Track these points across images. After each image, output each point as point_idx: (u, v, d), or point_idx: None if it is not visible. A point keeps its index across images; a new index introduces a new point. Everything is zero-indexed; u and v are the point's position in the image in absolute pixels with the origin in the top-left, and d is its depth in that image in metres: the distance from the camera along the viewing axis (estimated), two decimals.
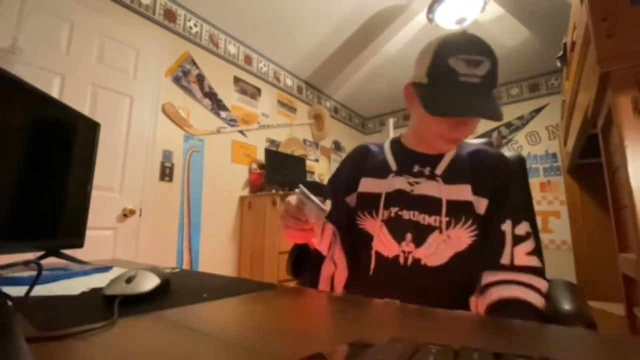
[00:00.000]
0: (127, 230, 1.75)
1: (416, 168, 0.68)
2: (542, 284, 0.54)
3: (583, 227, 2.35)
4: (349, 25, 2.40)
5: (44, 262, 0.54)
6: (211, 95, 2.34)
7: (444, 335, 0.33)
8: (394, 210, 0.64)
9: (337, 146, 3.72)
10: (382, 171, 0.70)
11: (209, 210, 2.22)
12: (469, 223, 0.60)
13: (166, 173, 1.99)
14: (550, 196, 2.90)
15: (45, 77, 1.49)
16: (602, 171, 1.14)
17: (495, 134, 3.19)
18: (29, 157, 0.58)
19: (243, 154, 2.53)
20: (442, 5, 1.99)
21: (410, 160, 0.69)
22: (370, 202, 0.67)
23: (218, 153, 2.34)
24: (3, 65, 0.54)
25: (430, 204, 0.62)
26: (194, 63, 2.24)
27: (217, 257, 2.25)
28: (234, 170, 2.45)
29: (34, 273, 0.40)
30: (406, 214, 0.63)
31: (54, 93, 1.52)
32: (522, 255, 0.57)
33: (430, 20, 2.14)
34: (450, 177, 0.64)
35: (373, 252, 0.64)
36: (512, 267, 0.56)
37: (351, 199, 0.72)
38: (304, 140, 3.20)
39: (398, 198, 0.65)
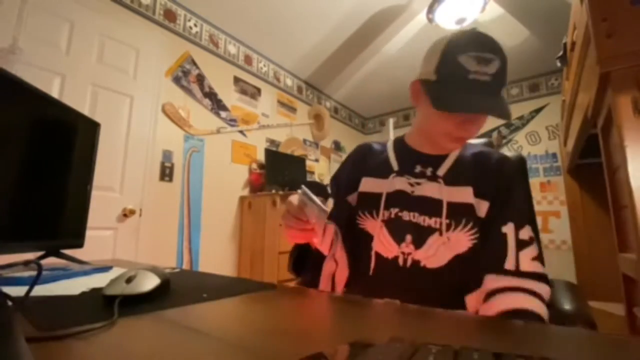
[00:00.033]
0: (127, 230, 1.75)
1: (418, 168, 0.67)
2: (545, 291, 0.54)
3: (583, 227, 2.35)
4: (349, 25, 2.40)
5: (44, 262, 0.54)
6: (211, 95, 2.34)
7: (444, 335, 0.33)
8: (394, 211, 0.64)
9: (337, 146, 3.72)
10: (383, 171, 0.69)
11: (209, 210, 2.22)
12: (469, 226, 0.59)
13: (166, 173, 1.99)
14: (550, 196, 2.90)
15: (45, 77, 1.50)
16: (602, 171, 1.14)
17: (495, 134, 3.19)
18: (29, 157, 0.58)
19: (243, 154, 2.53)
20: (442, 5, 1.99)
21: (412, 160, 0.69)
22: (370, 202, 0.67)
23: (218, 153, 2.34)
24: (3, 65, 0.54)
25: (430, 206, 0.62)
26: (194, 63, 2.24)
27: (217, 257, 2.25)
28: (234, 170, 2.45)
29: (34, 273, 0.40)
30: (406, 215, 0.63)
31: (54, 93, 1.52)
32: (527, 260, 0.56)
33: (430, 20, 2.14)
34: (452, 178, 0.63)
35: (373, 253, 0.64)
36: (518, 273, 0.54)
37: (352, 198, 0.72)
38: (304, 140, 3.20)
39: (398, 199, 0.64)
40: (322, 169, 3.41)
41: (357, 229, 0.68)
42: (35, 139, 0.59)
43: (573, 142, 1.76)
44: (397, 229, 0.63)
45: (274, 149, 2.77)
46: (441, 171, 0.65)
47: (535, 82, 3.11)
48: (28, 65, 1.42)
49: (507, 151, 0.86)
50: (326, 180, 3.25)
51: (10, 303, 0.34)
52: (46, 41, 1.53)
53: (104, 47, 1.73)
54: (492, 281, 0.55)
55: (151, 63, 1.95)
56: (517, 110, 3.15)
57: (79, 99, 1.59)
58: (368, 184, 0.70)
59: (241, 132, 2.55)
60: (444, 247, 0.59)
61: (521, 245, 0.57)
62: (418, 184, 0.65)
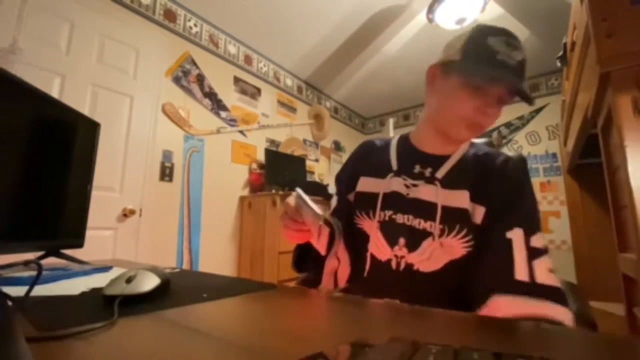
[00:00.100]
0: (127, 230, 1.75)
1: (417, 169, 0.65)
2: (569, 318, 0.45)
3: (583, 227, 2.35)
4: (349, 25, 2.40)
5: (44, 262, 0.54)
6: (211, 95, 2.34)
7: (444, 335, 0.33)
8: (388, 213, 0.63)
9: (337, 146, 3.72)
10: (382, 170, 0.68)
11: (209, 210, 2.22)
12: (463, 232, 0.57)
13: (166, 173, 1.99)
14: (550, 196, 2.90)
15: (45, 77, 1.50)
16: (602, 171, 1.14)
17: (495, 134, 3.19)
18: (29, 157, 0.58)
19: (243, 154, 2.53)
20: (442, 5, 1.99)
21: (412, 160, 0.67)
22: (367, 202, 0.66)
23: (218, 153, 2.34)
24: (3, 65, 0.54)
25: (425, 209, 0.60)
26: (194, 63, 2.24)
27: (217, 257, 2.25)
28: (234, 170, 2.45)
29: (34, 273, 0.40)
30: (400, 218, 0.62)
31: (54, 93, 1.52)
32: (544, 271, 0.50)
33: (430, 20, 2.14)
34: (449, 181, 0.61)
35: (368, 254, 0.64)
36: (535, 285, 0.48)
37: (352, 197, 0.72)
38: (304, 140, 3.20)
39: (393, 201, 0.63)
40: (322, 169, 3.41)
41: (355, 228, 0.68)
42: (35, 139, 0.59)
43: (573, 142, 1.76)
44: (390, 232, 0.62)
45: (274, 149, 2.77)
46: (440, 173, 0.63)
47: (535, 82, 3.11)
48: (28, 65, 1.42)
49: (507, 151, 0.86)
50: (326, 180, 3.25)
51: (10, 303, 0.34)
52: (46, 41, 1.53)
53: (104, 47, 1.73)
54: (506, 301, 0.48)
55: (151, 63, 1.95)
56: (517, 110, 3.15)
57: (79, 99, 1.59)
58: (365, 184, 0.69)
59: (241, 132, 2.55)
60: (438, 252, 0.57)
61: (534, 253, 0.51)
62: (414, 185, 0.63)
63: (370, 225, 0.65)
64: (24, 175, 0.57)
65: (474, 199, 0.58)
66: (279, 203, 2.21)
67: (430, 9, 2.06)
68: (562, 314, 0.45)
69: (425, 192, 0.61)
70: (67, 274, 0.59)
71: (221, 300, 0.44)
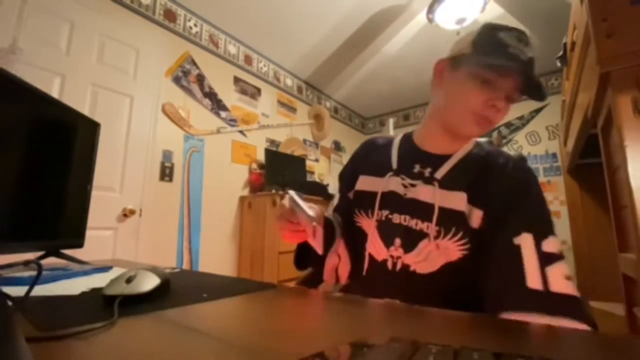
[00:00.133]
0: (127, 230, 1.75)
1: (417, 168, 0.64)
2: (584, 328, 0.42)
3: (583, 227, 2.35)
4: (349, 25, 2.40)
5: (44, 262, 0.54)
6: (211, 95, 2.34)
7: (444, 335, 0.33)
8: (384, 213, 0.63)
9: (337, 146, 3.72)
10: (382, 169, 0.68)
11: (209, 210, 2.22)
12: (459, 235, 0.55)
13: (166, 173, 1.99)
14: (550, 196, 2.90)
15: (45, 77, 1.50)
16: (602, 171, 1.14)
17: (495, 134, 3.19)
18: (29, 157, 0.58)
19: (243, 154, 2.53)
20: (442, 5, 2.00)
21: (413, 159, 0.66)
22: (365, 201, 0.66)
23: (218, 153, 2.34)
24: (3, 65, 0.54)
25: (422, 210, 0.58)
26: (194, 63, 2.24)
27: (217, 257, 2.25)
28: (234, 170, 2.45)
29: (34, 273, 0.40)
30: (396, 218, 0.61)
31: (54, 93, 1.52)
32: (559, 278, 0.46)
33: (430, 20, 2.14)
34: (448, 182, 0.59)
35: (367, 254, 0.64)
36: (549, 294, 0.44)
37: (352, 195, 0.72)
38: (304, 140, 3.20)
39: (390, 200, 0.63)
40: (322, 169, 3.41)
41: (355, 226, 0.68)
42: (35, 139, 0.59)
43: (573, 142, 1.76)
44: (386, 232, 0.62)
45: (274, 149, 2.77)
46: (440, 173, 0.61)
47: None
48: (28, 65, 1.42)
49: (507, 151, 0.85)
50: (326, 180, 3.25)
51: (10, 303, 0.34)
52: (46, 41, 1.53)
53: (104, 47, 1.73)
54: (519, 311, 0.45)
55: (151, 63, 1.95)
56: (517, 110, 3.15)
57: (79, 99, 1.59)
58: (364, 182, 0.69)
59: (241, 132, 2.55)
60: (434, 253, 0.56)
61: (548, 259, 0.47)
62: (412, 185, 0.62)
63: (368, 224, 0.65)
64: (24, 175, 0.57)
65: (471, 201, 0.56)
66: (278, 203, 2.21)
67: (430, 9, 2.06)
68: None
69: (423, 192, 0.60)
70: (67, 274, 0.59)
71: (221, 300, 0.44)
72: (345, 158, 3.77)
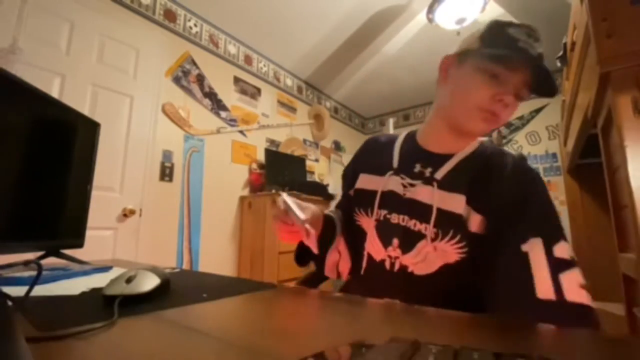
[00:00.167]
0: (127, 230, 1.75)
1: (417, 168, 0.62)
2: None
3: (583, 227, 2.35)
4: (349, 25, 2.40)
5: (44, 262, 0.54)
6: (211, 95, 2.34)
7: (444, 335, 0.33)
8: (383, 212, 0.62)
9: (337, 146, 3.72)
10: (383, 167, 0.67)
11: (209, 210, 2.22)
12: (457, 238, 0.53)
13: (166, 173, 1.99)
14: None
15: (45, 77, 1.50)
16: (602, 171, 1.14)
17: (495, 134, 3.19)
18: (29, 157, 0.58)
19: (243, 154, 2.53)
20: (442, 5, 2.00)
21: (414, 158, 0.64)
22: (365, 200, 0.66)
23: (218, 153, 2.34)
24: (3, 65, 0.54)
25: (420, 210, 0.57)
26: (194, 63, 2.24)
27: (217, 257, 2.25)
28: (234, 170, 2.45)
29: (34, 273, 0.40)
30: (395, 218, 0.60)
31: (54, 93, 1.52)
32: (574, 287, 0.42)
33: (430, 20, 2.14)
34: (448, 183, 0.57)
35: (365, 253, 0.64)
36: (563, 304, 0.41)
37: (352, 193, 0.72)
38: (304, 140, 3.20)
39: (389, 200, 0.62)
40: (322, 169, 3.41)
41: (355, 224, 0.68)
42: (35, 139, 0.59)
43: (573, 142, 1.76)
44: (384, 232, 0.61)
45: (274, 149, 2.77)
46: (440, 173, 0.59)
47: None
48: (28, 65, 1.42)
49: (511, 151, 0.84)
50: (326, 180, 3.25)
51: (10, 303, 0.34)
52: (46, 41, 1.53)
53: (104, 47, 1.73)
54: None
55: (151, 63, 1.95)
56: (517, 110, 3.15)
57: (79, 99, 1.59)
58: (364, 181, 0.69)
59: (241, 132, 2.55)
60: (432, 255, 0.55)
61: (560, 265, 0.44)
62: (412, 185, 0.61)
63: (367, 223, 0.65)
64: (24, 175, 0.57)
65: (470, 203, 0.54)
66: (275, 204, 2.21)
67: (430, 9, 2.06)
68: None
69: (422, 193, 0.59)
70: (67, 274, 0.59)
71: (221, 300, 0.44)
72: (345, 158, 3.77)
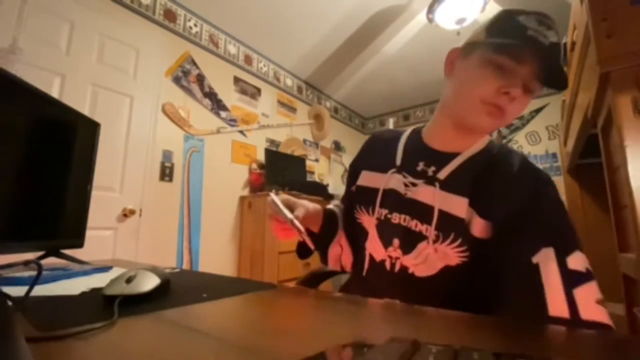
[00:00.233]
0: (127, 230, 1.75)
1: (420, 166, 0.60)
2: None
3: (583, 227, 2.35)
4: (349, 25, 2.40)
5: (44, 262, 0.54)
6: (211, 95, 2.34)
7: (444, 335, 0.33)
8: (384, 212, 0.61)
9: (337, 146, 3.72)
10: (385, 164, 0.65)
11: (209, 210, 2.22)
12: (458, 242, 0.51)
13: (166, 173, 1.99)
14: None
15: (45, 77, 1.50)
16: (602, 171, 1.14)
17: (495, 134, 3.19)
18: (29, 157, 0.58)
19: (243, 154, 2.53)
20: (442, 5, 1.99)
21: (417, 156, 0.62)
22: (367, 197, 0.65)
23: (218, 153, 2.34)
24: (3, 65, 0.54)
25: (422, 211, 0.55)
26: (194, 63, 2.24)
27: (217, 257, 2.25)
28: (234, 170, 2.45)
29: (34, 273, 0.40)
30: (396, 218, 0.58)
31: (54, 93, 1.52)
32: (590, 302, 0.39)
33: (430, 20, 2.14)
34: (451, 184, 0.55)
35: (367, 253, 0.64)
36: (578, 323, 0.38)
37: (354, 189, 0.72)
38: (304, 140, 3.20)
39: (390, 199, 0.61)
40: (322, 169, 3.41)
41: (356, 222, 0.68)
42: (35, 139, 0.59)
43: (573, 142, 1.76)
44: (385, 231, 0.60)
45: (274, 149, 2.77)
46: (443, 173, 0.57)
47: None
48: (28, 65, 1.42)
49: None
50: (326, 180, 3.25)
51: (10, 303, 0.34)
52: (46, 41, 1.53)
53: (104, 47, 1.73)
54: None
55: (151, 63, 1.95)
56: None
57: (79, 99, 1.59)
58: (366, 178, 0.68)
59: (241, 132, 2.54)
60: (433, 256, 0.54)
61: (575, 279, 0.40)
62: (414, 185, 0.59)
63: (369, 222, 0.64)
64: (24, 175, 0.57)
65: (473, 206, 0.52)
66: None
67: (430, 9, 2.06)
68: None
69: (423, 193, 0.57)
70: (67, 274, 0.59)
71: (221, 300, 0.44)
72: (345, 158, 3.77)
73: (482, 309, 0.48)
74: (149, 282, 0.43)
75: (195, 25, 2.28)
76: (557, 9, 2.16)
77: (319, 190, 2.55)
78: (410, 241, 0.56)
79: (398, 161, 0.64)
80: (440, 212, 0.54)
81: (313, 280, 0.88)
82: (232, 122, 2.47)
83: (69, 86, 1.57)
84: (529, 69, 0.49)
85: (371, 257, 0.63)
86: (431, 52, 2.64)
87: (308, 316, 0.42)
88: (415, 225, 0.56)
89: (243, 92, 2.61)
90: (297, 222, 0.58)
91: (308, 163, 3.08)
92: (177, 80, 2.12)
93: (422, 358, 0.20)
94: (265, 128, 2.77)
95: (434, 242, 0.53)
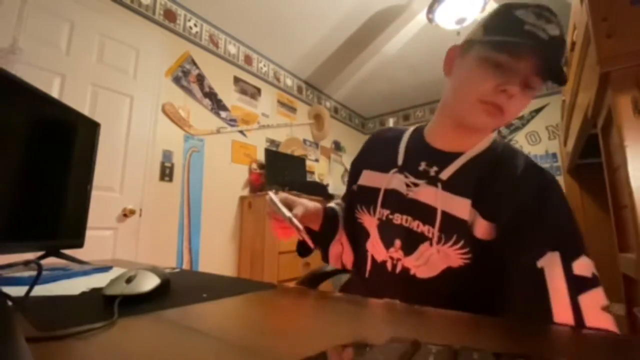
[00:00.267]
0: (127, 230, 1.75)
1: (422, 166, 0.59)
2: None
3: (583, 227, 2.34)
4: (349, 25, 2.40)
5: (44, 262, 0.54)
6: (211, 95, 2.34)
7: (444, 335, 0.33)
8: (385, 212, 0.60)
9: (337, 146, 3.72)
10: (387, 164, 0.64)
11: (209, 210, 2.22)
12: (460, 244, 0.50)
13: (166, 173, 1.99)
14: None
15: (45, 77, 1.50)
16: (602, 171, 1.14)
17: (495, 134, 3.19)
18: (29, 157, 0.58)
19: (243, 154, 2.53)
20: (442, 5, 1.99)
21: (420, 155, 0.61)
22: (368, 197, 0.64)
23: (218, 153, 2.34)
24: (3, 65, 0.54)
25: (423, 212, 0.55)
26: (194, 63, 2.24)
27: (217, 257, 2.25)
28: (234, 170, 2.45)
29: (34, 273, 0.40)
30: (397, 218, 0.58)
31: (54, 93, 1.52)
32: (595, 309, 0.38)
33: (430, 20, 2.14)
34: (453, 184, 0.54)
35: (369, 254, 0.63)
36: (582, 331, 0.38)
37: (355, 188, 0.71)
38: (304, 140, 3.20)
39: (392, 199, 0.60)
40: (322, 169, 3.41)
41: (357, 221, 0.67)
42: (35, 139, 0.59)
43: (573, 142, 1.76)
44: (386, 232, 0.60)
45: (274, 149, 2.77)
46: (445, 173, 0.56)
47: None
48: (28, 65, 1.42)
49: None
50: (326, 180, 3.25)
51: (10, 303, 0.34)
52: (46, 41, 1.53)
53: (104, 47, 1.73)
54: None
55: (151, 63, 1.95)
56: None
57: (79, 99, 1.59)
58: (367, 177, 0.67)
59: (241, 132, 2.54)
60: (435, 257, 0.53)
61: (580, 285, 0.40)
62: (415, 185, 0.58)
63: (370, 222, 0.63)
64: (24, 175, 0.57)
65: (476, 207, 0.51)
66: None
67: (430, 9, 2.06)
68: None
69: (425, 194, 0.56)
70: (67, 274, 0.59)
71: (221, 300, 0.44)
72: (345, 158, 3.77)
73: (484, 311, 0.48)
74: (149, 282, 0.43)
75: (195, 25, 2.28)
76: (557, 9, 2.14)
77: (319, 190, 2.55)
78: (412, 242, 0.55)
79: (400, 161, 0.63)
80: (444, 213, 0.53)
81: (313, 280, 0.88)
82: (232, 122, 2.47)
83: (69, 86, 1.57)
84: (527, 65, 0.48)
85: (373, 258, 0.62)
86: (431, 52, 2.64)
87: (308, 316, 0.42)
88: (417, 226, 0.55)
89: (243, 92, 2.61)
90: (295, 221, 0.58)
91: (308, 163, 3.08)
92: (177, 80, 2.12)
93: (422, 358, 0.20)
94: (265, 128, 2.77)
95: (437, 243, 0.53)
